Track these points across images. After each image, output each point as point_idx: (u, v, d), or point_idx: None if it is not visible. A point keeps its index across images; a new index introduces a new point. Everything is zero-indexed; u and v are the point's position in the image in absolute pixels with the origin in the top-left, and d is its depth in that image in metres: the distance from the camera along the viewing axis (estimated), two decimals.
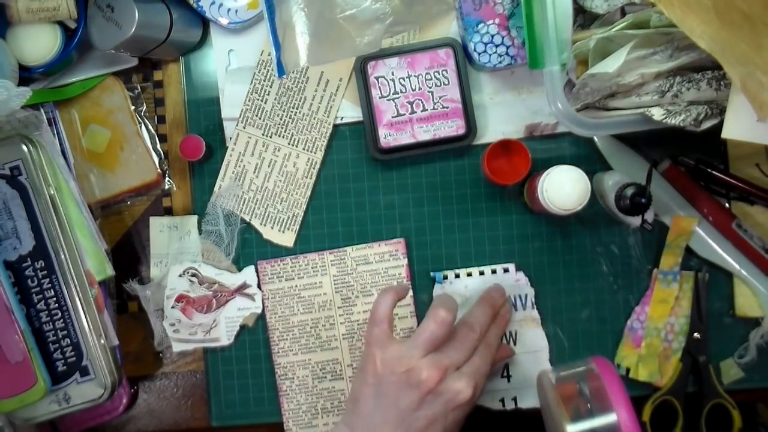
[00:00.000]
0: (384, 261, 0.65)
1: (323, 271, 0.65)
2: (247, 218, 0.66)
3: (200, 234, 0.66)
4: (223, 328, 0.66)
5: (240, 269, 0.66)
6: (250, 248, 0.66)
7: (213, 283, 0.65)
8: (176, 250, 0.66)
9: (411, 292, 0.65)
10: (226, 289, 0.65)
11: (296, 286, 0.66)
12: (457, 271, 0.65)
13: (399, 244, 0.65)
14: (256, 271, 0.66)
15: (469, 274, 0.65)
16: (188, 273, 0.65)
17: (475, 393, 0.54)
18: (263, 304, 0.66)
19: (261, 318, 0.66)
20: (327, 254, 0.65)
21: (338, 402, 0.65)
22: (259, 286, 0.66)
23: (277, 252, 0.66)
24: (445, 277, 0.65)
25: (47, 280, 0.58)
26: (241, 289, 0.66)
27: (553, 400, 0.53)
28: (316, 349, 0.66)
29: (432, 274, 0.65)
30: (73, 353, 0.58)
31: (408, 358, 0.53)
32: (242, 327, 0.66)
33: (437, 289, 0.65)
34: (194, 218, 0.66)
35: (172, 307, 0.65)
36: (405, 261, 0.65)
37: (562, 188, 0.55)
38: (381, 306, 0.56)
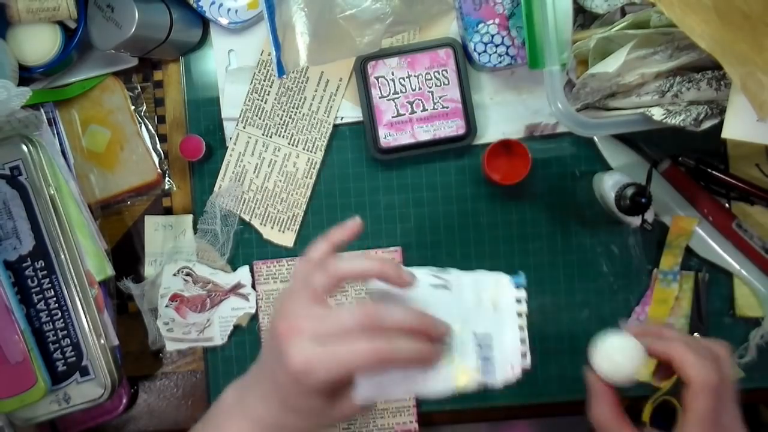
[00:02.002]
0: None
1: None
2: (247, 218, 0.66)
3: (195, 233, 0.66)
4: (216, 327, 0.66)
5: (234, 269, 0.66)
6: (250, 248, 0.66)
7: (207, 283, 0.65)
8: (171, 249, 0.66)
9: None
10: (220, 288, 0.65)
11: None
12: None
13: (395, 253, 0.65)
14: (251, 271, 0.66)
15: None
16: (182, 272, 0.65)
17: (309, 374, 0.44)
18: (257, 304, 0.66)
19: (255, 318, 0.66)
20: None
21: None
22: (253, 287, 0.66)
23: (277, 252, 0.66)
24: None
25: (47, 280, 0.58)
26: (235, 289, 0.66)
27: None
28: None
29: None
30: (73, 353, 0.58)
31: (287, 298, 0.47)
32: (236, 327, 0.66)
33: None
34: (189, 217, 0.66)
35: (166, 306, 0.65)
36: None
37: (612, 358, 0.49)
38: (316, 247, 0.48)
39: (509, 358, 0.56)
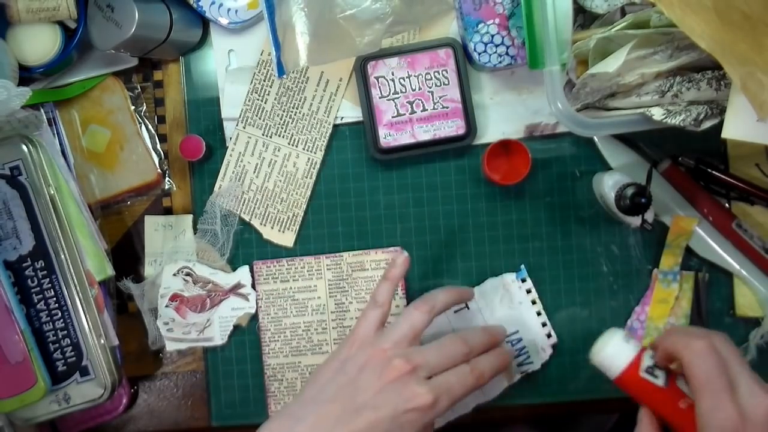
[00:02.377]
0: (380, 269, 0.65)
1: (318, 275, 0.65)
2: (247, 218, 0.66)
3: (195, 233, 0.66)
4: (216, 327, 0.66)
5: (234, 269, 0.66)
6: (250, 248, 0.66)
7: (207, 283, 0.65)
8: (171, 249, 0.66)
9: (405, 303, 0.65)
10: (220, 288, 0.65)
11: (291, 288, 0.66)
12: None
13: (396, 253, 0.65)
14: (251, 271, 0.66)
15: None
16: (182, 272, 0.65)
17: (435, 407, 0.49)
18: (257, 304, 0.66)
19: (255, 318, 0.66)
20: (323, 258, 0.65)
21: None
22: (253, 287, 0.66)
23: (277, 252, 0.66)
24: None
25: (47, 280, 0.58)
26: (235, 289, 0.66)
27: None
28: (306, 353, 0.65)
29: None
30: (73, 353, 0.58)
31: (381, 344, 0.52)
32: (236, 327, 0.66)
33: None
34: (189, 217, 0.66)
35: (166, 306, 0.65)
36: None
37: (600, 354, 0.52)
38: (383, 290, 0.55)
39: (539, 343, 0.64)
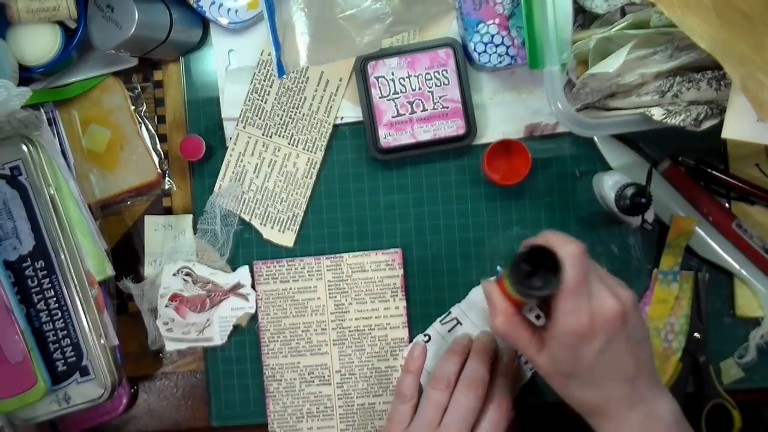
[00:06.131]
0: (380, 270, 0.65)
1: (318, 275, 0.65)
2: (247, 218, 0.66)
3: (195, 233, 0.66)
4: (216, 327, 0.66)
5: (234, 269, 0.66)
6: (250, 248, 0.66)
7: (207, 283, 0.65)
8: (171, 248, 0.66)
9: (405, 304, 0.65)
10: (220, 288, 0.65)
11: (290, 288, 0.66)
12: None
13: (396, 255, 0.65)
14: (251, 271, 0.66)
15: (459, 323, 0.65)
16: (182, 272, 0.65)
17: None
18: (257, 304, 0.66)
19: (255, 318, 0.66)
20: (323, 259, 0.65)
21: (324, 407, 0.65)
22: (253, 287, 0.66)
23: (277, 252, 0.66)
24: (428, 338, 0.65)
25: (47, 280, 0.58)
26: (234, 289, 0.66)
27: None
28: (305, 353, 0.65)
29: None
30: (73, 353, 0.58)
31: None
32: (235, 327, 0.66)
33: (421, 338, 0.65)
34: (189, 217, 0.66)
35: (166, 306, 0.65)
36: (401, 272, 0.65)
37: None
38: (407, 383, 0.57)
39: None
